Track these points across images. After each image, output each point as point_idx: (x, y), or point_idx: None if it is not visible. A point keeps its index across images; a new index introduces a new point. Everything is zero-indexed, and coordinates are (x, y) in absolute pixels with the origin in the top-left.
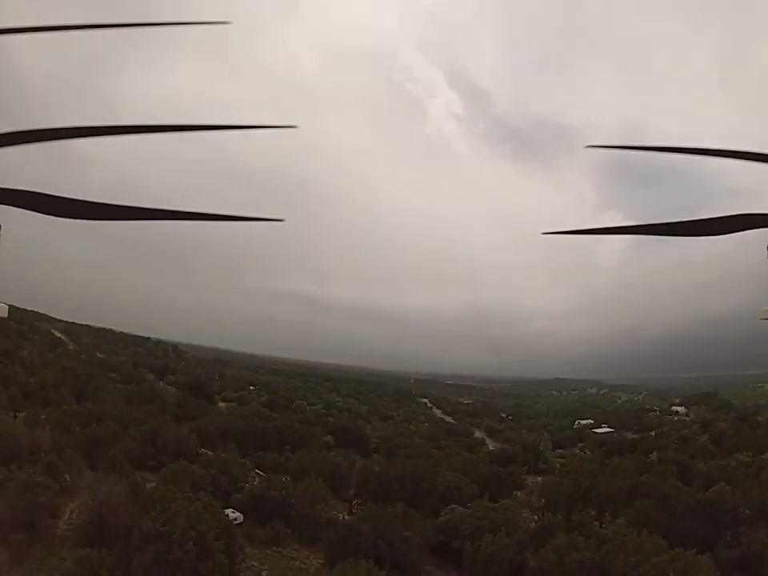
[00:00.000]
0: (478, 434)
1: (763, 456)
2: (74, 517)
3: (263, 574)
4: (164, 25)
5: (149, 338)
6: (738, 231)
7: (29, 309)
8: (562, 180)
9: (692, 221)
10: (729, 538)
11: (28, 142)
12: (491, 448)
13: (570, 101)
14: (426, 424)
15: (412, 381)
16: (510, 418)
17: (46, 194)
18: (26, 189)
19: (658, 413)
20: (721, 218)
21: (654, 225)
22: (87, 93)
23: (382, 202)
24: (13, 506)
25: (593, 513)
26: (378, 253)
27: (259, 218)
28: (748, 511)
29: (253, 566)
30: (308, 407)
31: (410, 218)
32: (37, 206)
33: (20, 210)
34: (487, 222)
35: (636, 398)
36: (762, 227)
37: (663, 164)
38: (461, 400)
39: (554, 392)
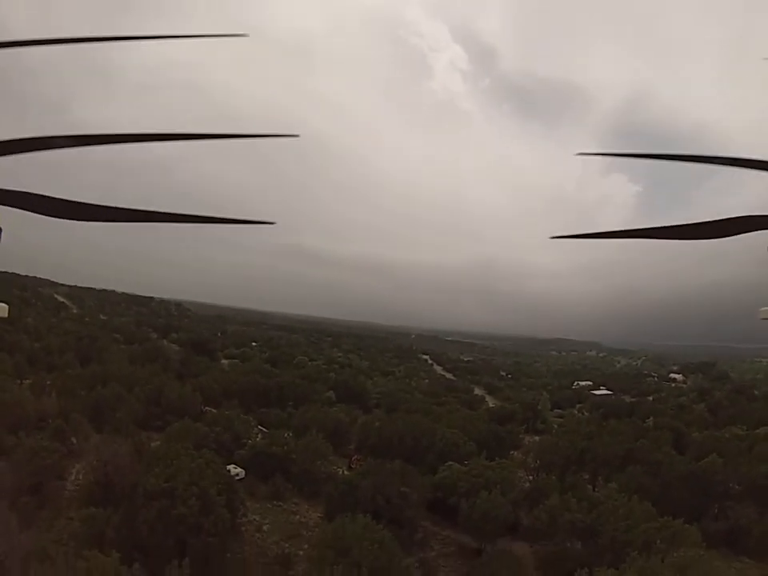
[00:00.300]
0: (477, 391)
1: (757, 431)
2: (81, 478)
3: (264, 527)
4: None
5: (152, 298)
6: (741, 233)
7: (30, 275)
8: (568, 139)
9: (697, 223)
10: (717, 511)
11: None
12: (491, 405)
13: (578, 61)
14: (427, 380)
15: (413, 337)
16: (510, 376)
17: (43, 196)
18: (24, 190)
19: (656, 379)
20: (724, 220)
21: (661, 228)
22: (83, 58)
23: (386, 156)
24: (20, 470)
25: (587, 476)
26: (383, 206)
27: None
28: (737, 486)
29: (254, 519)
30: (309, 363)
31: (414, 173)
32: (34, 207)
33: (19, 211)
34: (492, 177)
35: (635, 363)
36: (765, 229)
37: (670, 129)
38: (461, 357)
39: (553, 352)
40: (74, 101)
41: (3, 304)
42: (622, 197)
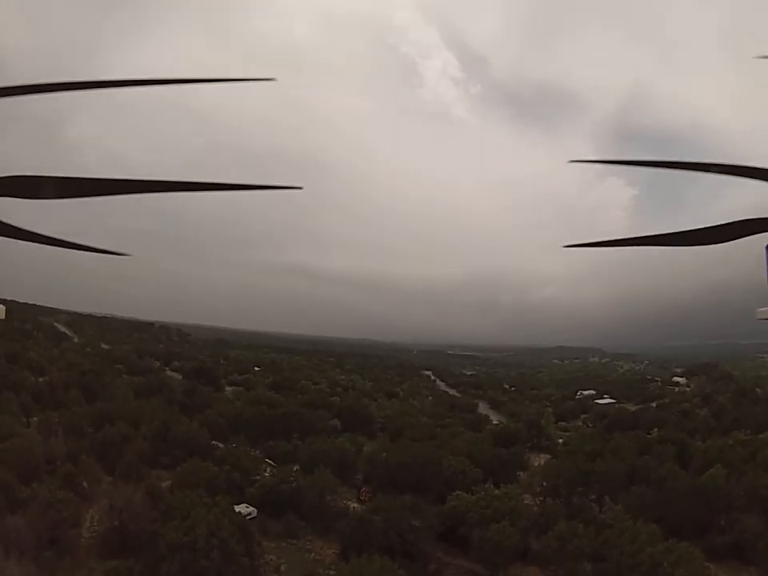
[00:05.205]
0: (481, 406)
1: (761, 435)
2: (95, 524)
3: (281, 567)
4: None
5: (152, 324)
6: (740, 237)
7: (30, 303)
8: (565, 144)
9: (699, 229)
10: (723, 524)
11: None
12: (495, 422)
13: (572, 65)
14: (430, 397)
15: (415, 352)
16: (513, 388)
17: (36, 176)
18: (9, 174)
19: (659, 383)
20: (723, 225)
21: (666, 235)
22: (75, 68)
23: (379, 167)
24: (37, 524)
25: (593, 496)
26: (378, 220)
27: (277, 186)
28: (742, 493)
29: (271, 559)
30: (313, 387)
31: (409, 184)
32: (27, 191)
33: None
34: (488, 186)
35: (637, 368)
36: (761, 232)
37: (668, 132)
38: (464, 371)
39: (556, 361)
40: (68, 121)
41: (0, 305)
42: (619, 201)
